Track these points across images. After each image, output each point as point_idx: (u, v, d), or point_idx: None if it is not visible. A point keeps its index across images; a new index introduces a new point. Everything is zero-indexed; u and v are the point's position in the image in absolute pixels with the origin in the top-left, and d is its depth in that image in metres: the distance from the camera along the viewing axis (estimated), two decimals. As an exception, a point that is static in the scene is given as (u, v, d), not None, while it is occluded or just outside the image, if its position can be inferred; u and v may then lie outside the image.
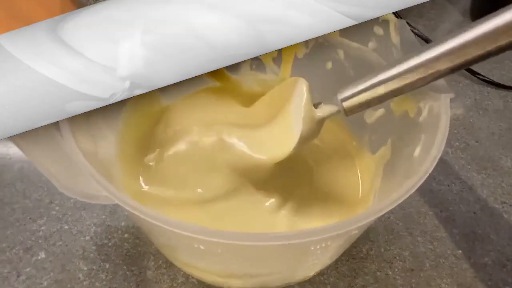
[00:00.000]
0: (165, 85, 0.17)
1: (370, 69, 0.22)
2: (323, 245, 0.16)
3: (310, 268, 0.20)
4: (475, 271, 0.26)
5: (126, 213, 0.27)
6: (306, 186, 0.25)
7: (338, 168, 0.26)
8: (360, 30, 0.22)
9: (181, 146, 0.25)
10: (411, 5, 0.16)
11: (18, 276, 0.25)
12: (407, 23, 0.41)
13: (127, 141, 0.24)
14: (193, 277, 0.24)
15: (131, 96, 0.18)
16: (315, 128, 0.20)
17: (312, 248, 0.16)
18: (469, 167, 0.31)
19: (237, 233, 0.13)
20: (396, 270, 0.25)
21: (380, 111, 0.23)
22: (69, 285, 0.25)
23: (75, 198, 0.22)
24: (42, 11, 0.19)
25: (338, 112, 0.19)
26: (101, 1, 0.16)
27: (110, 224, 0.27)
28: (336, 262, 0.25)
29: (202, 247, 0.15)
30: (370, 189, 0.23)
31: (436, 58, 0.16)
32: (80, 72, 0.15)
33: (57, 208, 0.28)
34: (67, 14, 0.16)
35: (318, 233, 0.13)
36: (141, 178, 0.24)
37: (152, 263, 0.25)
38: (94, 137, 0.19)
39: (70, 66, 0.15)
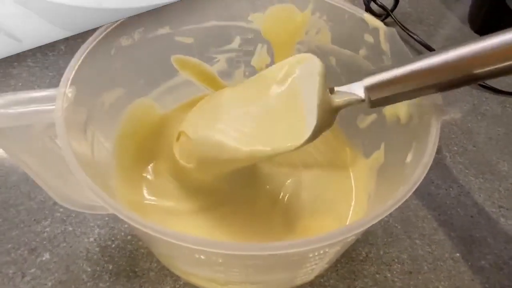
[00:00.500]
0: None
1: (361, 76, 0.23)
2: (321, 252, 0.17)
3: (308, 273, 0.21)
4: (472, 274, 0.26)
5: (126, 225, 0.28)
6: (299, 189, 0.25)
7: (332, 172, 0.26)
8: (351, 38, 0.23)
9: (175, 157, 0.26)
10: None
11: (23, 277, 0.25)
12: (407, 28, 0.42)
13: (124, 152, 0.24)
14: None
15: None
16: (329, 118, 0.18)
17: (311, 256, 0.17)
18: (467, 171, 0.31)
19: (239, 244, 0.13)
20: (395, 272, 0.26)
21: (372, 116, 0.24)
22: (73, 286, 0.25)
23: (74, 209, 0.23)
24: None
25: (359, 102, 0.17)
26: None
27: (113, 226, 0.28)
28: (336, 264, 0.26)
29: (202, 257, 0.16)
30: (365, 192, 0.24)
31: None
32: None
33: (61, 210, 0.28)
34: None
35: (317, 241, 0.13)
36: (144, 190, 0.25)
37: (155, 264, 0.26)
38: (92, 148, 0.20)
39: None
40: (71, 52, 0.41)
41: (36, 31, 0.20)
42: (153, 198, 0.24)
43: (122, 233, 0.27)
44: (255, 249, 0.13)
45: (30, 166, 0.20)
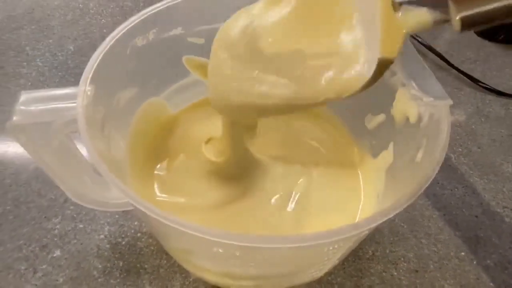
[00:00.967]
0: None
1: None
2: (336, 246, 0.17)
3: (320, 268, 0.21)
4: (477, 272, 0.26)
5: (138, 215, 0.28)
6: (310, 187, 0.26)
7: (340, 172, 0.27)
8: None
9: (187, 155, 0.26)
10: None
11: (34, 273, 0.26)
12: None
13: (136, 150, 0.25)
14: (204, 276, 0.25)
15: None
16: (396, 46, 0.13)
17: (326, 250, 0.17)
18: (472, 172, 0.32)
19: (260, 237, 0.13)
20: (401, 271, 0.26)
21: (381, 117, 0.24)
22: (84, 282, 0.25)
23: (86, 206, 0.23)
24: None
25: (440, 22, 0.12)
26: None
27: (123, 224, 0.28)
28: (343, 262, 0.26)
29: (220, 250, 0.16)
30: (373, 192, 0.24)
31: None
32: None
33: (71, 207, 0.29)
34: None
35: (334, 234, 0.14)
36: (155, 187, 0.25)
37: (165, 261, 0.26)
38: (109, 145, 0.20)
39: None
40: (80, 52, 0.42)
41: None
42: (164, 194, 0.24)
43: (132, 231, 0.28)
44: (278, 242, 0.13)
45: (46, 162, 0.20)
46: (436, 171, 0.16)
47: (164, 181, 0.25)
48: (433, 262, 0.27)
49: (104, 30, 0.43)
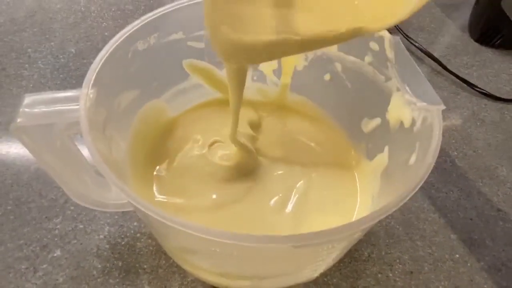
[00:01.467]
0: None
1: (366, 82, 0.23)
2: (330, 246, 0.17)
3: (315, 269, 0.21)
4: (471, 274, 0.27)
5: (138, 215, 0.28)
6: (308, 189, 0.26)
7: (337, 174, 0.27)
8: (357, 45, 0.24)
9: (187, 156, 0.27)
10: None
11: (35, 272, 0.26)
12: (408, 36, 0.43)
13: (137, 151, 0.25)
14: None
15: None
16: None
17: (320, 250, 0.18)
18: (467, 175, 0.32)
19: (256, 236, 0.14)
20: (397, 272, 0.27)
21: (376, 121, 0.25)
22: (84, 282, 0.26)
23: (87, 206, 0.23)
24: None
25: None
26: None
27: (123, 224, 0.28)
28: (339, 264, 0.27)
29: (217, 250, 0.16)
30: (368, 194, 0.25)
31: None
32: None
33: (72, 208, 0.29)
34: None
35: (325, 235, 0.14)
36: (154, 188, 0.25)
37: (164, 261, 0.27)
38: (110, 147, 0.21)
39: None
40: (81, 55, 0.43)
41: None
42: (164, 195, 0.25)
43: (132, 231, 0.28)
44: (275, 241, 0.13)
45: (48, 163, 0.20)
46: (427, 175, 0.16)
47: (164, 182, 0.25)
48: (428, 264, 0.27)
49: (106, 33, 0.43)
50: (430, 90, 0.19)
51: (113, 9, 0.46)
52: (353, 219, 0.24)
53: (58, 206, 0.29)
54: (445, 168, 0.33)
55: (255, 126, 0.29)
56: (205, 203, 0.24)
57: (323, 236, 0.14)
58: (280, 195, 0.25)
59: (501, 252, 0.28)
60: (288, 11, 0.16)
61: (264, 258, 0.17)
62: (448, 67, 0.40)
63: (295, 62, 0.28)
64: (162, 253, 0.27)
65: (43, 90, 0.38)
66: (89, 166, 0.22)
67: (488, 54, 0.43)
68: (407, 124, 0.20)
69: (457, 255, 0.28)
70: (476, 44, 0.44)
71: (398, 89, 0.21)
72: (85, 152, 0.22)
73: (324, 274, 0.26)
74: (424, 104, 0.18)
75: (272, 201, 0.25)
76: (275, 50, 0.17)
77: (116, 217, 0.29)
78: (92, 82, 0.19)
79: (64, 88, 0.38)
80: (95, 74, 0.19)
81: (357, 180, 0.26)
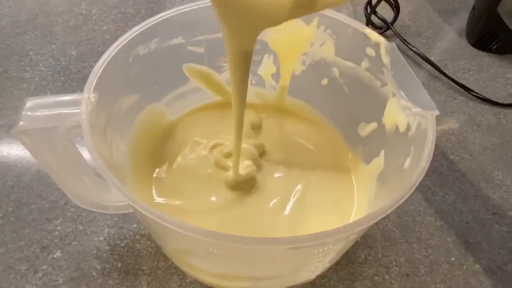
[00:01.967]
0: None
1: (363, 87, 0.24)
2: (325, 248, 0.18)
3: (312, 270, 0.22)
4: (467, 277, 0.27)
5: (138, 217, 0.29)
6: (306, 191, 0.26)
7: (335, 177, 0.27)
8: (354, 51, 0.24)
9: (186, 159, 0.27)
10: None
11: (35, 273, 0.26)
12: (406, 40, 0.44)
13: (137, 154, 0.26)
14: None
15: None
16: None
17: (315, 252, 0.18)
18: (463, 179, 0.33)
19: (253, 238, 0.14)
20: (393, 275, 0.27)
21: (373, 125, 0.25)
22: (83, 283, 0.26)
23: (87, 208, 0.24)
24: None
25: None
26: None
27: (122, 226, 0.29)
28: (336, 266, 0.27)
29: (215, 251, 0.17)
30: (365, 197, 0.25)
31: None
32: None
33: (72, 209, 0.29)
34: None
35: (323, 236, 0.14)
36: (153, 190, 0.26)
37: (162, 263, 0.27)
38: (111, 150, 0.21)
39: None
40: (82, 58, 0.43)
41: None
42: (163, 198, 0.25)
43: (131, 233, 0.28)
44: (270, 243, 0.14)
45: (49, 166, 0.21)
46: (420, 179, 0.17)
47: (163, 184, 0.26)
48: (424, 266, 0.27)
49: (106, 36, 0.44)
50: (425, 96, 0.19)
51: (114, 13, 0.47)
52: (350, 222, 0.24)
53: (59, 208, 0.29)
54: (441, 171, 0.33)
55: (256, 127, 0.30)
56: (204, 205, 0.24)
57: (318, 238, 0.14)
58: (279, 197, 0.26)
59: (497, 255, 0.28)
60: None
61: (261, 260, 0.18)
62: (445, 71, 0.40)
63: (293, 66, 0.29)
64: (161, 255, 0.27)
65: (44, 92, 0.38)
66: (90, 169, 0.23)
67: (485, 59, 0.43)
68: (402, 128, 0.21)
69: (453, 258, 0.28)
70: (473, 49, 0.44)
71: (393, 94, 0.22)
72: (85, 154, 0.22)
73: (321, 276, 0.26)
74: (419, 109, 0.19)
75: (271, 204, 0.25)
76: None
77: (116, 219, 0.29)
78: (93, 86, 0.19)
79: (65, 90, 0.38)
80: (97, 78, 0.19)
81: (354, 183, 0.27)
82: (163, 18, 0.23)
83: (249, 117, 0.29)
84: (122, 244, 0.28)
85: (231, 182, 0.25)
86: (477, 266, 0.28)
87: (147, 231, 0.28)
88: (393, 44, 0.22)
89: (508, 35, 0.41)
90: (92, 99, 0.19)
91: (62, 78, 0.39)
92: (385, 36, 0.45)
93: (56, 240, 0.28)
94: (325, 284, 0.26)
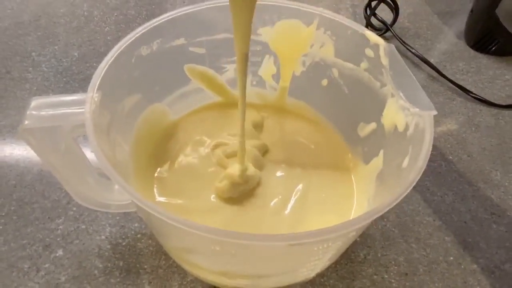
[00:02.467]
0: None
1: (362, 87, 0.24)
2: (325, 245, 0.18)
3: (311, 268, 0.22)
4: (465, 276, 0.27)
5: (140, 216, 0.29)
6: (307, 190, 0.27)
7: (335, 177, 0.28)
8: (353, 52, 0.25)
9: (188, 158, 0.27)
10: None
11: (37, 271, 0.26)
12: (405, 42, 0.44)
13: (139, 153, 0.26)
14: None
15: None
16: None
17: (315, 249, 0.18)
18: (461, 179, 0.33)
19: (254, 235, 0.14)
20: (392, 274, 0.27)
21: (372, 125, 0.25)
22: (85, 281, 0.26)
23: (89, 207, 0.24)
24: None
25: None
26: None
27: (124, 225, 0.29)
28: (336, 265, 0.27)
29: (217, 248, 0.17)
30: (365, 196, 0.25)
31: None
32: None
33: (74, 208, 0.30)
34: None
35: (322, 233, 0.15)
36: (155, 190, 0.26)
37: (164, 262, 0.27)
38: (114, 149, 0.21)
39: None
40: (84, 58, 0.44)
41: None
42: (164, 197, 0.25)
43: (133, 232, 0.29)
44: (272, 240, 0.14)
45: (53, 164, 0.21)
46: (418, 178, 0.17)
47: (165, 183, 0.26)
48: (423, 266, 0.28)
49: (108, 37, 0.44)
50: (423, 96, 0.20)
51: (115, 14, 0.47)
52: (349, 220, 0.25)
53: (61, 207, 0.30)
54: (440, 172, 0.33)
55: (258, 126, 0.30)
56: (205, 204, 0.25)
57: (317, 235, 0.14)
58: (280, 197, 0.26)
59: (495, 254, 0.28)
60: None
61: (262, 257, 0.18)
62: (444, 73, 0.41)
63: (293, 67, 0.29)
64: (162, 254, 0.27)
65: (46, 93, 0.38)
66: (93, 168, 0.23)
67: (483, 60, 0.44)
68: (401, 128, 0.21)
69: (451, 257, 0.28)
70: (472, 51, 0.45)
71: (392, 95, 0.22)
72: (88, 154, 0.23)
73: (321, 275, 0.27)
74: (417, 109, 0.19)
75: (272, 203, 0.26)
76: None
77: (118, 218, 0.29)
78: (97, 86, 0.19)
79: (66, 91, 0.39)
80: (100, 78, 0.20)
81: (354, 182, 0.27)
82: (165, 19, 0.24)
83: (251, 116, 0.30)
84: (123, 243, 0.28)
85: (226, 193, 0.25)
86: (475, 265, 0.28)
87: (148, 230, 0.29)
88: (392, 46, 0.22)
89: (506, 37, 0.42)
90: (96, 99, 0.19)
91: (64, 79, 0.39)
92: (385, 38, 0.46)
93: (58, 239, 0.28)
94: (324, 282, 0.26)
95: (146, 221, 0.26)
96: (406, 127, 0.20)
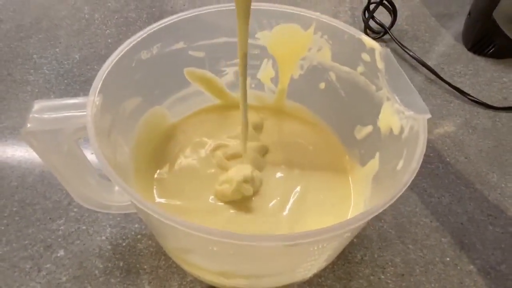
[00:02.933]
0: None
1: (359, 91, 0.25)
2: (321, 246, 0.18)
3: (308, 268, 0.22)
4: (461, 277, 0.28)
5: (141, 217, 0.29)
6: (305, 193, 0.27)
7: (333, 179, 0.28)
8: (350, 56, 0.25)
9: (188, 160, 0.28)
10: None
11: (39, 271, 0.27)
12: (403, 45, 0.44)
13: (140, 155, 0.26)
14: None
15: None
16: None
17: (311, 249, 0.18)
18: (458, 181, 0.33)
19: (252, 235, 0.15)
20: (388, 274, 0.28)
21: (368, 128, 0.26)
22: (86, 281, 0.27)
23: (90, 208, 0.24)
24: None
25: None
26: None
27: (124, 226, 0.29)
28: (333, 265, 0.28)
29: (215, 249, 0.17)
30: (361, 198, 0.26)
31: None
32: None
33: (75, 209, 0.30)
34: None
35: (318, 234, 0.15)
36: (154, 191, 0.26)
37: (163, 262, 0.27)
38: (115, 152, 0.22)
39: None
40: (85, 61, 0.44)
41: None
42: (164, 198, 0.26)
43: (133, 233, 0.29)
44: (269, 240, 0.14)
45: (55, 166, 0.21)
46: (411, 180, 0.17)
47: (165, 185, 0.26)
48: (419, 266, 0.28)
49: (109, 40, 0.45)
50: (418, 100, 0.20)
51: (116, 17, 0.48)
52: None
53: (62, 208, 0.30)
54: (437, 174, 0.34)
55: (258, 127, 0.30)
56: (204, 205, 0.25)
57: (313, 235, 0.15)
58: (279, 198, 0.26)
59: (491, 255, 0.29)
60: None
61: (259, 257, 0.18)
62: (442, 75, 0.41)
63: (292, 71, 0.29)
64: (162, 254, 0.28)
65: (48, 95, 0.39)
66: (94, 170, 0.23)
67: (481, 63, 0.44)
68: (396, 131, 0.21)
69: (448, 258, 0.28)
70: (469, 53, 0.45)
71: (388, 99, 0.23)
72: (89, 156, 0.23)
73: (318, 276, 0.27)
74: (412, 113, 0.19)
75: (271, 204, 0.26)
76: None
77: (118, 219, 0.30)
78: (98, 89, 0.20)
79: (68, 93, 0.39)
80: (101, 82, 0.20)
81: (351, 184, 0.27)
82: (165, 24, 0.24)
83: (251, 117, 0.30)
84: (124, 244, 0.28)
85: (230, 197, 0.25)
86: (472, 266, 0.28)
87: (148, 231, 0.29)
88: (388, 50, 0.23)
89: (503, 39, 0.42)
90: (97, 102, 0.19)
91: (65, 81, 0.40)
92: (383, 41, 0.46)
93: (59, 240, 0.28)
94: (322, 283, 0.27)
95: (146, 222, 0.27)
96: (401, 130, 0.21)
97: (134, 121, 0.25)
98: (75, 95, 0.39)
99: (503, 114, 0.39)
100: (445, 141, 0.36)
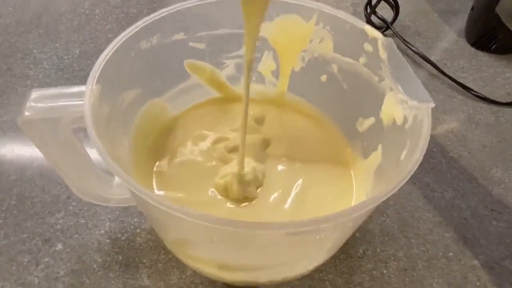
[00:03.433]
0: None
1: (361, 82, 0.24)
2: (322, 235, 0.18)
3: (310, 261, 0.22)
4: (464, 272, 0.27)
5: (140, 210, 0.29)
6: (307, 186, 0.26)
7: (334, 172, 0.28)
8: (352, 47, 0.25)
9: (188, 153, 0.27)
10: None
11: (37, 265, 0.27)
12: (406, 40, 0.44)
13: (139, 148, 0.26)
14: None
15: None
16: None
17: (312, 239, 0.18)
18: (461, 176, 0.33)
19: (251, 223, 0.14)
20: (391, 269, 0.27)
21: (371, 120, 0.25)
22: (84, 275, 0.26)
23: (89, 200, 0.24)
24: None
25: None
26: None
27: (123, 220, 0.29)
28: (335, 260, 0.27)
29: (215, 238, 0.17)
30: (363, 191, 0.25)
31: None
32: None
33: (74, 203, 0.30)
34: None
35: (319, 222, 0.15)
36: (154, 183, 0.26)
37: (163, 256, 0.27)
38: (113, 143, 0.21)
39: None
40: (85, 56, 0.44)
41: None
42: (163, 190, 0.26)
43: (132, 227, 0.29)
44: (269, 227, 0.14)
45: (52, 157, 0.21)
46: (414, 169, 0.17)
47: (164, 177, 0.26)
48: (422, 261, 0.28)
49: (109, 35, 0.44)
50: (421, 89, 0.20)
51: (116, 12, 0.47)
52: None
53: (61, 202, 0.30)
54: (440, 169, 0.33)
55: (259, 120, 0.30)
56: (204, 198, 0.25)
57: (315, 223, 0.14)
58: (280, 191, 0.26)
59: (494, 250, 0.28)
60: None
61: (259, 247, 0.18)
62: (445, 71, 0.41)
63: (293, 63, 0.29)
64: (161, 248, 0.27)
65: (47, 89, 0.38)
66: (92, 161, 0.23)
67: (484, 58, 0.44)
68: (399, 121, 0.21)
69: (451, 253, 0.28)
70: (472, 49, 0.45)
71: (391, 89, 0.22)
72: (88, 150, 0.23)
73: (319, 270, 0.27)
74: (415, 102, 0.19)
75: (273, 197, 0.26)
76: None
77: (117, 212, 0.29)
78: (96, 78, 0.19)
79: (68, 88, 0.39)
80: (99, 71, 0.20)
81: (353, 177, 0.27)
82: (165, 13, 0.24)
83: (252, 110, 0.30)
84: (123, 238, 0.28)
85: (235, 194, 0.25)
86: (475, 261, 0.28)
87: (147, 225, 0.29)
88: (390, 39, 0.22)
89: (506, 35, 0.42)
90: (95, 91, 0.19)
91: (65, 76, 0.40)
92: (385, 36, 0.46)
93: (58, 233, 0.28)
94: (323, 278, 0.26)
95: (145, 214, 0.26)
96: (405, 120, 0.20)
97: (133, 113, 0.25)
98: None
99: (506, 109, 0.38)
100: (448, 136, 0.36)
